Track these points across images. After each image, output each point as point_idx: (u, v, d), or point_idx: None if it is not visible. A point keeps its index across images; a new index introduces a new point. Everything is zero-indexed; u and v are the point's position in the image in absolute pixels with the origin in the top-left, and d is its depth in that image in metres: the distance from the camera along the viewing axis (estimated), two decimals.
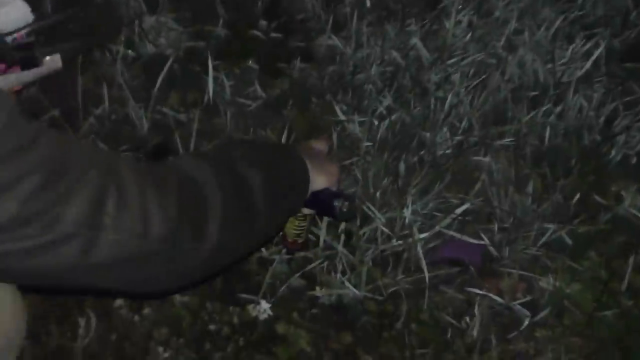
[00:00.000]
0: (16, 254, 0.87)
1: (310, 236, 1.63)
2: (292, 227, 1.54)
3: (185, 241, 1.01)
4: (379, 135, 1.75)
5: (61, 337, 1.52)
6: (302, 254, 1.61)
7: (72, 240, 0.90)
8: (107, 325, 1.53)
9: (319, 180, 1.33)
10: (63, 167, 0.89)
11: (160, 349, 1.51)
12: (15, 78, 1.40)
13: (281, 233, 1.57)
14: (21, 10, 1.33)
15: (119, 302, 1.55)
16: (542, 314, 1.58)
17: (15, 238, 0.85)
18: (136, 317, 1.54)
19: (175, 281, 1.10)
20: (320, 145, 1.46)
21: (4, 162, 0.82)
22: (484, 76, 1.90)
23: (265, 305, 1.56)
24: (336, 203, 1.41)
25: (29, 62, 1.37)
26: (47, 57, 1.41)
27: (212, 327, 1.54)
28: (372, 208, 1.64)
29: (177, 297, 1.56)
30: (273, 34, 2.07)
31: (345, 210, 1.46)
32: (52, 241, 0.88)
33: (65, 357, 1.50)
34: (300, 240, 1.58)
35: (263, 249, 1.61)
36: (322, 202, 1.38)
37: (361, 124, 1.80)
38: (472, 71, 1.93)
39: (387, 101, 1.82)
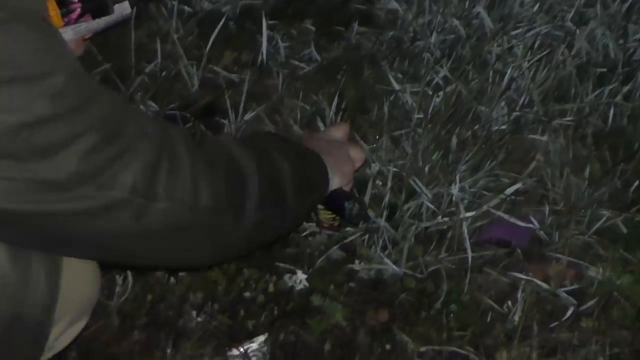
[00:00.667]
0: (73, 214, 0.89)
1: None
2: (326, 213, 1.52)
3: (228, 216, 1.06)
4: (431, 107, 1.69)
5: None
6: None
7: (126, 206, 0.92)
8: (144, 285, 1.53)
9: (334, 180, 1.35)
10: (119, 129, 0.91)
11: (194, 312, 1.50)
12: (86, 27, 1.40)
13: (317, 219, 1.56)
14: None
15: None
16: (589, 304, 1.51)
17: (73, 197, 0.88)
18: (172, 280, 1.54)
19: (215, 255, 1.15)
20: (338, 133, 1.46)
21: (63, 120, 0.84)
22: (548, 49, 1.81)
23: (301, 275, 1.53)
24: (347, 204, 1.40)
25: (100, 10, 1.38)
26: (117, 4, 1.42)
27: (247, 294, 1.52)
28: (419, 183, 1.59)
29: None
30: None
31: (355, 213, 1.43)
32: (106, 204, 0.90)
33: (100, 314, 1.50)
34: (335, 224, 1.55)
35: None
36: (334, 201, 1.39)
37: (414, 94, 1.74)
38: (537, 44, 1.84)
39: (444, 72, 1.75)
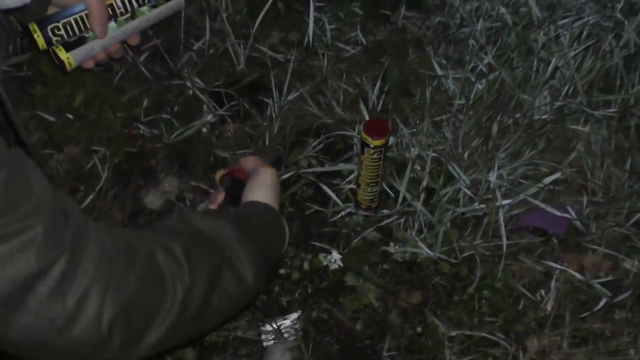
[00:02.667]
0: None
1: (390, 192, 1.60)
2: (365, 194, 1.54)
3: (110, 348, 0.96)
4: (473, 93, 1.69)
5: None
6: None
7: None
8: None
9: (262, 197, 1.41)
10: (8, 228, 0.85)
11: None
12: (146, 20, 1.46)
13: (355, 200, 1.59)
14: None
15: None
16: (623, 296, 1.51)
17: None
18: None
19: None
20: (253, 164, 1.51)
21: None
22: (595, 39, 1.80)
23: (336, 255, 1.55)
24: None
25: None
26: None
27: (282, 271, 1.55)
28: (457, 169, 1.59)
29: None
30: None
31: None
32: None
33: None
34: (373, 205, 1.58)
35: (340, 203, 1.61)
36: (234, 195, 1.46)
37: (457, 80, 1.74)
38: (584, 33, 1.83)
39: (488, 59, 1.75)
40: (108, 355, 0.96)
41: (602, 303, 1.50)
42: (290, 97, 1.77)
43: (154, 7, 1.48)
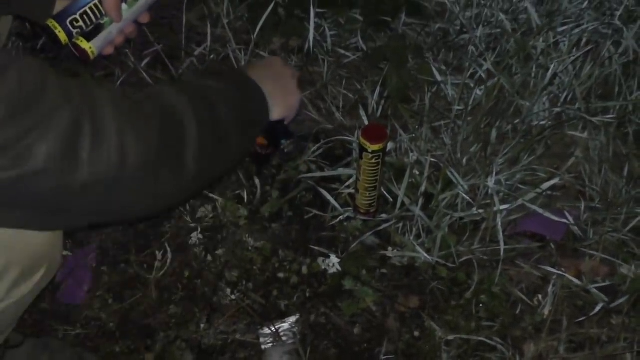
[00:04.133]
0: None
1: (389, 197, 1.61)
2: (363, 199, 1.56)
3: (164, 168, 1.06)
4: (472, 99, 1.70)
5: (138, 267, 1.58)
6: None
7: (47, 173, 0.93)
8: (182, 261, 1.58)
9: (276, 111, 1.35)
10: (30, 102, 0.91)
11: (229, 290, 1.54)
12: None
13: (354, 204, 1.60)
14: None
15: (194, 239, 1.60)
16: (620, 301, 1.51)
17: None
18: (209, 257, 1.58)
19: (156, 205, 1.13)
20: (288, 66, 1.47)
21: None
22: (592, 46, 1.81)
23: (334, 259, 1.56)
24: (283, 141, 1.42)
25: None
26: None
27: (281, 275, 1.56)
28: (456, 174, 1.60)
29: (251, 242, 1.59)
30: None
31: (287, 151, 1.45)
32: (23, 174, 0.92)
33: (139, 286, 1.56)
34: (372, 210, 1.59)
35: (339, 207, 1.62)
36: (272, 134, 1.41)
37: (456, 86, 1.76)
38: (583, 40, 1.84)
39: (488, 65, 1.76)
40: (164, 173, 1.07)
41: (598, 308, 1.50)
42: None
43: None
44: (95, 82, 1.04)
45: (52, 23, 1.37)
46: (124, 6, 1.43)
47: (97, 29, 1.41)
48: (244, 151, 1.32)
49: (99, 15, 1.40)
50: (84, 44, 1.40)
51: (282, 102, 1.36)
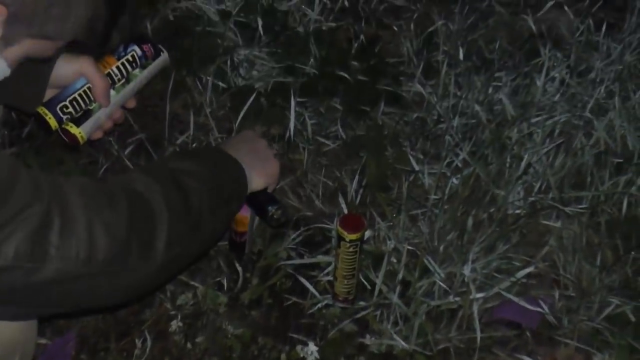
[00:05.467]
0: None
1: (367, 284, 1.64)
2: (341, 286, 1.58)
3: (132, 260, 1.07)
4: (448, 188, 1.75)
5: (118, 354, 1.58)
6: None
7: (14, 270, 0.95)
8: (162, 349, 1.59)
9: (257, 181, 1.40)
10: (2, 197, 0.94)
11: None
12: (139, 81, 1.53)
13: (333, 292, 1.62)
14: None
15: (174, 327, 1.61)
16: None
17: None
18: (189, 345, 1.59)
19: (126, 294, 1.17)
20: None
21: None
22: (565, 137, 1.86)
23: (313, 347, 1.57)
24: (270, 208, 1.47)
25: (158, 51, 1.56)
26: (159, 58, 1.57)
27: None
28: (433, 262, 1.63)
29: (230, 329, 1.60)
30: (361, 76, 2.08)
31: (276, 217, 1.51)
32: None
33: None
34: (350, 297, 1.61)
35: (317, 295, 1.64)
36: (257, 204, 1.46)
37: (432, 175, 1.80)
38: (556, 131, 1.89)
39: (464, 154, 1.81)
40: (133, 266, 1.08)
41: None
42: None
43: (144, 67, 1.54)
44: (65, 175, 1.07)
45: (42, 110, 1.42)
46: (112, 92, 1.48)
47: (86, 115, 1.46)
48: (217, 234, 1.36)
49: (87, 102, 1.45)
50: (74, 130, 1.44)
51: (261, 171, 1.42)
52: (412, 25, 2.22)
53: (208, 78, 2.00)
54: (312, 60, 2.10)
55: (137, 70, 1.53)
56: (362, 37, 2.20)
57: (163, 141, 1.90)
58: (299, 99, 1.96)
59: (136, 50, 1.52)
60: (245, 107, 1.92)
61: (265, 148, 1.50)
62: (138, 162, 1.86)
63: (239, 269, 1.68)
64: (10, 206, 0.94)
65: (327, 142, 1.93)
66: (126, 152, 1.87)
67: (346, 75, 2.07)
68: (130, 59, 1.51)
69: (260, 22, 2.13)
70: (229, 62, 2.06)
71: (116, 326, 1.62)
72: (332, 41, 2.18)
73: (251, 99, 1.93)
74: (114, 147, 1.81)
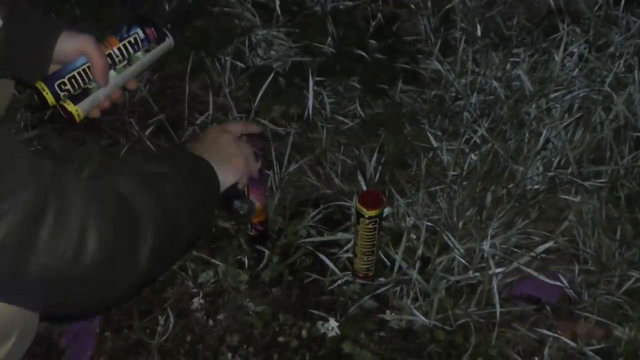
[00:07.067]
0: None
1: (386, 261, 1.65)
2: (361, 263, 1.59)
3: (117, 266, 1.06)
4: (467, 164, 1.75)
5: (141, 332, 1.60)
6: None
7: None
8: (184, 326, 1.61)
9: (228, 179, 1.42)
10: None
11: (230, 354, 1.56)
12: (141, 64, 1.54)
13: (352, 268, 1.63)
14: None
15: (196, 304, 1.63)
16: None
17: None
18: (211, 322, 1.61)
19: (105, 300, 1.14)
20: (233, 127, 1.53)
21: None
22: (584, 112, 1.86)
23: (333, 323, 1.59)
24: (236, 203, 1.50)
25: (162, 35, 1.56)
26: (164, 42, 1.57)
27: (281, 338, 1.58)
28: (452, 238, 1.64)
29: (251, 306, 1.62)
30: (378, 55, 2.09)
31: (243, 212, 1.52)
32: None
33: (142, 351, 1.58)
34: (370, 274, 1.62)
35: (338, 272, 1.65)
36: (224, 200, 1.47)
37: (451, 151, 1.80)
38: (575, 106, 1.89)
39: (482, 131, 1.81)
40: (116, 274, 1.07)
41: None
42: (290, 169, 1.83)
43: (147, 51, 1.54)
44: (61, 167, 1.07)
45: (40, 85, 1.44)
46: (113, 72, 1.49)
47: (85, 93, 1.47)
48: (195, 236, 1.34)
49: (86, 80, 1.46)
50: (71, 107, 1.45)
51: (230, 169, 1.44)
52: (429, 3, 2.23)
53: (226, 58, 2.02)
54: (329, 39, 2.11)
55: (139, 53, 1.53)
56: (379, 15, 2.21)
57: (183, 121, 1.92)
58: (317, 78, 1.98)
59: (139, 32, 1.53)
60: (264, 87, 1.93)
61: (230, 143, 1.50)
62: (158, 143, 1.88)
63: (265, 250, 1.70)
64: (5, 186, 0.92)
65: (345, 120, 1.94)
66: (147, 132, 1.89)
67: (364, 54, 2.08)
68: (133, 41, 1.52)
69: (277, 2, 2.15)
70: (247, 43, 2.07)
71: (139, 304, 1.64)
72: (349, 20, 2.19)
73: (269, 78, 1.94)
74: (134, 127, 1.83)
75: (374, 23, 2.19)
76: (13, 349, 1.23)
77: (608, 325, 1.59)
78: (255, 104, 1.90)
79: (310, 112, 1.92)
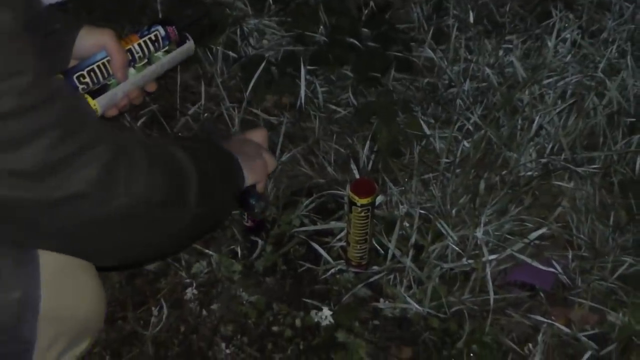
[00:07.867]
0: (38, 203, 0.97)
1: (380, 249, 1.65)
2: (354, 251, 1.59)
3: (175, 208, 1.17)
4: (459, 152, 1.75)
5: (135, 323, 1.60)
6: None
7: (87, 198, 1.00)
8: (178, 317, 1.60)
9: (249, 177, 1.48)
10: (78, 128, 0.99)
11: (224, 344, 1.56)
12: (161, 65, 1.53)
13: (346, 257, 1.64)
14: None
15: (189, 295, 1.62)
16: (609, 349, 1.53)
17: (38, 187, 0.96)
18: (204, 312, 1.60)
19: (164, 245, 1.28)
20: (256, 136, 1.61)
21: (27, 115, 0.92)
22: (577, 98, 1.86)
23: (327, 312, 1.59)
24: (252, 201, 1.51)
25: (183, 38, 1.58)
26: (184, 45, 1.58)
27: (275, 328, 1.58)
28: (445, 226, 1.64)
29: (245, 296, 1.62)
30: (371, 43, 2.08)
31: (258, 210, 1.54)
32: (68, 195, 0.98)
33: (136, 342, 1.58)
34: (363, 262, 1.62)
35: (331, 260, 1.65)
36: (243, 198, 1.51)
37: (444, 139, 1.80)
38: (568, 92, 1.89)
39: (475, 118, 1.80)
40: (175, 211, 1.19)
41: (588, 356, 1.52)
42: (283, 158, 1.82)
43: (167, 52, 1.54)
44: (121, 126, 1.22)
45: (58, 77, 1.42)
46: (132, 70, 1.49)
47: (103, 89, 1.46)
48: (225, 209, 1.47)
49: (106, 75, 1.46)
50: (89, 101, 1.44)
51: (252, 170, 1.49)
52: None
53: (218, 48, 2.01)
54: (322, 28, 2.11)
55: (160, 53, 1.53)
56: (372, 3, 2.20)
57: (175, 112, 1.91)
58: (309, 67, 1.97)
59: (160, 30, 1.52)
60: (256, 77, 1.92)
61: (255, 149, 1.56)
62: (150, 134, 1.87)
63: (259, 240, 1.69)
64: (86, 136, 0.99)
65: (338, 109, 1.93)
66: (139, 123, 1.88)
67: (357, 43, 2.07)
68: (153, 37, 1.52)
69: None
70: (238, 32, 2.07)
71: (133, 295, 1.64)
72: (342, 9, 2.18)
73: (262, 68, 1.94)
74: (126, 118, 1.82)
75: (366, 11, 2.19)
76: (82, 351, 1.31)
77: (602, 310, 1.59)
78: (248, 93, 1.90)
79: (303, 101, 1.91)
